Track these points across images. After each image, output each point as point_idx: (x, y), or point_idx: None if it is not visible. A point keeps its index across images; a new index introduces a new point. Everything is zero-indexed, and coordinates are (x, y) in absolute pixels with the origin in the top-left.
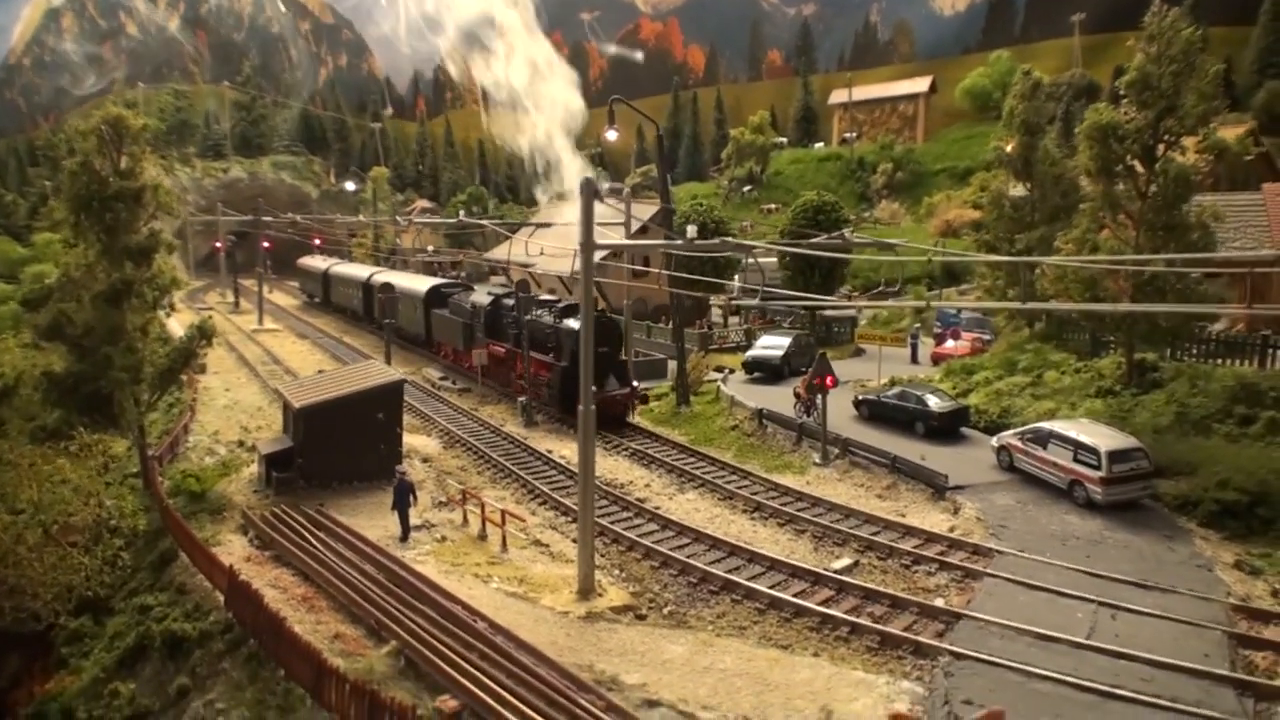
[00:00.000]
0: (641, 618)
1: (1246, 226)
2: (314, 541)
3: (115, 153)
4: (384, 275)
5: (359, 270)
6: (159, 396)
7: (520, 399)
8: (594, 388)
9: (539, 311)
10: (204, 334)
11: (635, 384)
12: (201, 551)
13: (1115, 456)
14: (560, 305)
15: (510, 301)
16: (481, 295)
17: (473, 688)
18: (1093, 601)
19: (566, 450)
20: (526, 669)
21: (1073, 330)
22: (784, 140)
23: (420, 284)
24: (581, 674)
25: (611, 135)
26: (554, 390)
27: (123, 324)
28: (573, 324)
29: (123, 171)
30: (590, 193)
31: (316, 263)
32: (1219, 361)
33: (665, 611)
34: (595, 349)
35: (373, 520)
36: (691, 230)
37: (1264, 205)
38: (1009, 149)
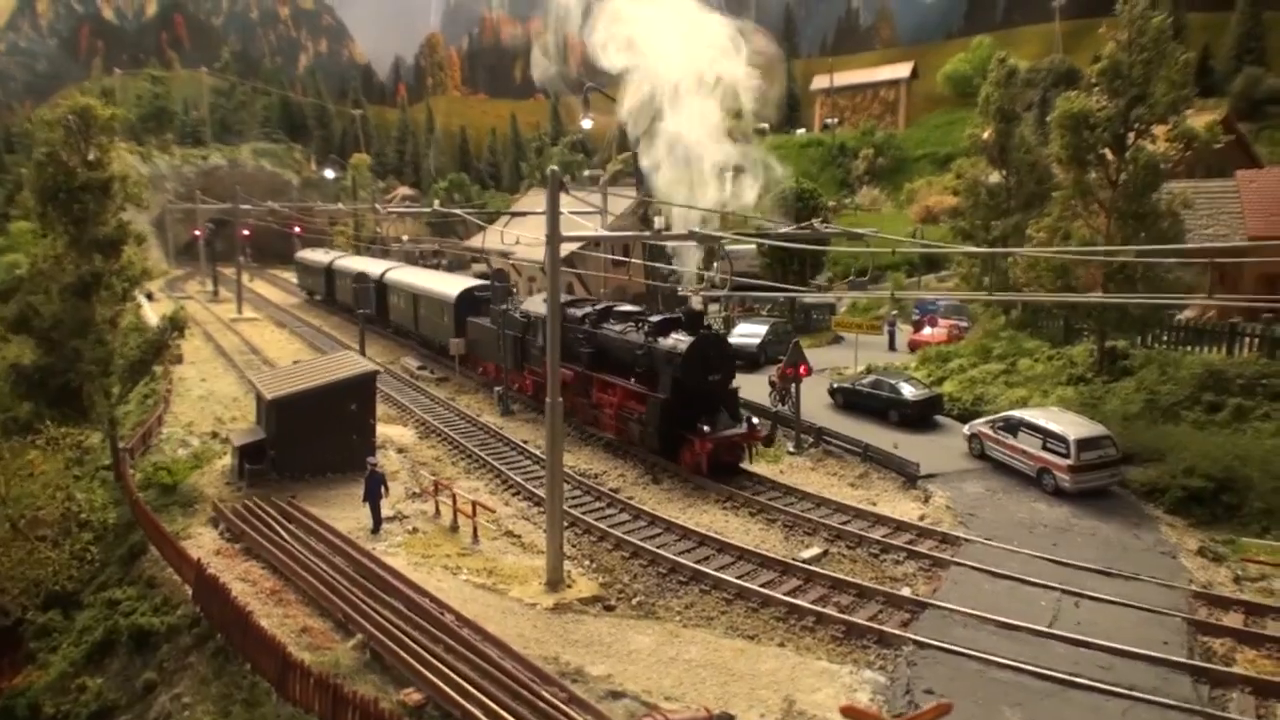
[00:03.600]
0: (610, 608)
1: (1220, 213)
2: (284, 534)
3: (83, 143)
4: (399, 272)
5: (369, 266)
6: (130, 389)
7: (496, 389)
8: (706, 427)
9: (624, 325)
10: (175, 325)
11: (754, 419)
12: (170, 545)
13: (1083, 444)
14: (655, 319)
15: (579, 312)
16: (537, 303)
17: (437, 681)
18: (1056, 590)
19: (543, 441)
20: (492, 661)
21: (1047, 318)
22: (765, 126)
23: (450, 286)
24: (546, 666)
25: (586, 124)
26: (650, 429)
27: (91, 316)
28: (679, 342)
29: (90, 162)
30: (556, 184)
31: (318, 256)
32: (1189, 349)
33: (634, 602)
34: (705, 375)
35: (345, 512)
36: (659, 221)
37: (1237, 192)
38: (985, 136)
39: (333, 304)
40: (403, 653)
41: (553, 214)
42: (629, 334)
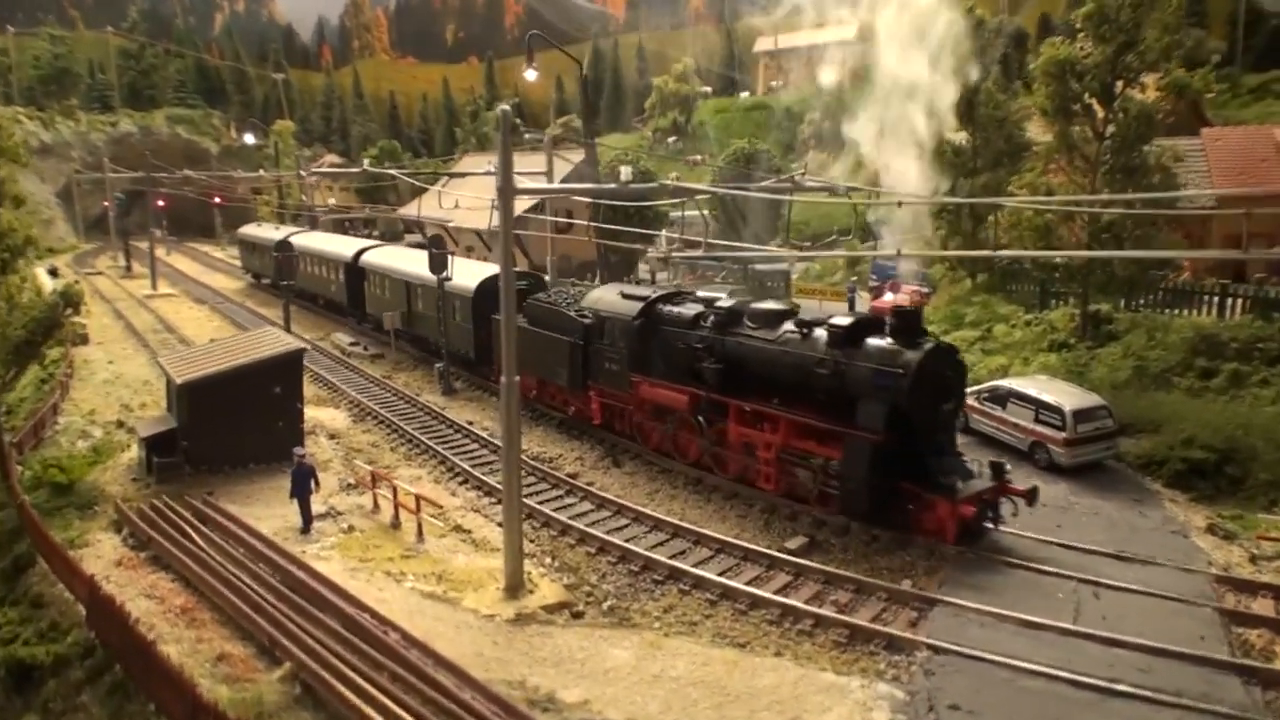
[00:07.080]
0: (578, 615)
1: (1187, 173)
2: (199, 539)
3: None
4: (381, 253)
5: (338, 246)
6: (16, 374)
7: (437, 365)
8: (959, 481)
9: (779, 330)
10: (69, 301)
11: (1003, 465)
12: (60, 556)
13: (1080, 415)
14: (838, 321)
15: (688, 311)
16: (611, 298)
17: None
18: (1072, 578)
19: (489, 422)
20: (446, 692)
21: (1018, 280)
22: (709, 90)
23: (465, 274)
24: (512, 694)
25: (531, 75)
26: (853, 484)
27: None
28: (897, 354)
29: None
30: (509, 126)
31: (266, 232)
32: (1176, 312)
33: (605, 606)
34: (937, 404)
35: (270, 509)
36: (626, 172)
37: (1203, 150)
38: None
39: (288, 289)
40: (339, 684)
41: (505, 162)
42: (791, 342)
